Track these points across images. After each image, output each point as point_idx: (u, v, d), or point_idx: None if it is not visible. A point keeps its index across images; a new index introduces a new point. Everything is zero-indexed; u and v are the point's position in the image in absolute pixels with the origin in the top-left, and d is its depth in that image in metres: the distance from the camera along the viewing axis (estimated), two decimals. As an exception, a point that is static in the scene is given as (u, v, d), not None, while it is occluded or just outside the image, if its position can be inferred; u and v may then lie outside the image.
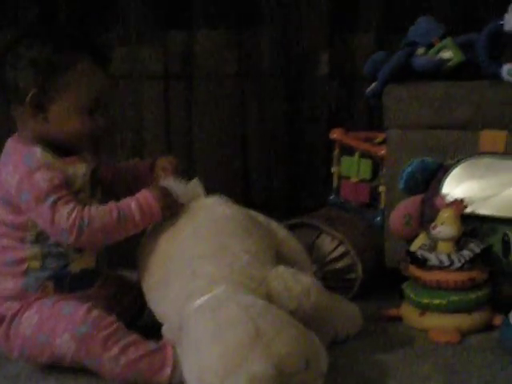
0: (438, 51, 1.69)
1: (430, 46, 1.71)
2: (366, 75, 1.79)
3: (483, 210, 1.56)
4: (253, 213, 1.50)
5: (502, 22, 1.63)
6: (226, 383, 1.11)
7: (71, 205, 1.30)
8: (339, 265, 1.67)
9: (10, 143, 1.37)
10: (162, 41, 2.10)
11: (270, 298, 1.27)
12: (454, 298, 1.46)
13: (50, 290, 1.36)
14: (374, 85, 1.75)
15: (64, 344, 1.28)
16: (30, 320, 1.33)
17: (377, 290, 1.69)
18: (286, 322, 1.20)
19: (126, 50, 2.10)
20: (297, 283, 1.28)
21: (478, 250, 1.47)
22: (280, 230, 1.52)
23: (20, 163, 1.32)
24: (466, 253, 1.47)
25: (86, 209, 1.30)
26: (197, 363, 1.16)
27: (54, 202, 1.29)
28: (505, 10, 1.65)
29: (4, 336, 1.36)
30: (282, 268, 1.31)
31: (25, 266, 1.36)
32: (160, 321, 1.33)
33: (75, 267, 1.38)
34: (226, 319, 1.18)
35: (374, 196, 1.82)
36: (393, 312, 1.56)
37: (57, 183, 1.31)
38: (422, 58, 1.68)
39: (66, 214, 1.29)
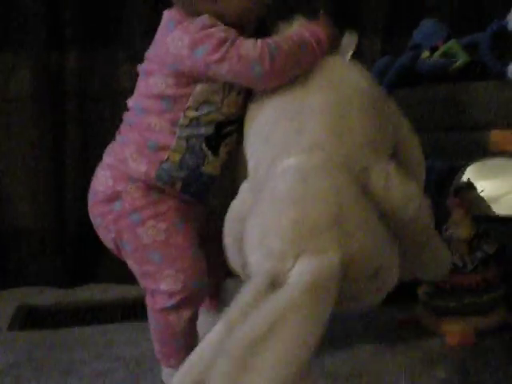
0: (444, 53, 1.69)
1: (434, 48, 1.71)
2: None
3: (496, 210, 1.56)
4: (386, 97, 1.32)
5: (505, 22, 1.64)
6: (286, 252, 1.03)
7: (251, 39, 1.23)
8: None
9: (171, 15, 1.31)
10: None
11: (367, 190, 1.15)
12: (469, 300, 1.46)
13: (176, 189, 1.30)
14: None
15: None
16: (155, 231, 1.29)
17: (393, 295, 1.69)
18: (370, 221, 1.10)
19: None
20: (399, 187, 1.16)
21: (490, 251, 1.47)
22: (405, 125, 1.34)
23: (190, 25, 1.26)
24: (479, 254, 1.46)
25: (267, 38, 1.24)
26: (266, 222, 1.08)
27: (234, 41, 1.22)
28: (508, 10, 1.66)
29: (114, 222, 1.31)
30: (392, 165, 1.18)
31: (165, 156, 1.29)
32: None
33: (207, 169, 1.32)
34: (314, 191, 1.08)
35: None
36: (407, 317, 1.56)
37: (235, 34, 1.24)
38: (427, 61, 1.68)
39: (251, 45, 1.22)
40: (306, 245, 1.03)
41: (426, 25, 1.78)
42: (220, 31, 1.23)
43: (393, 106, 1.31)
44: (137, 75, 1.33)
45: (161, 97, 1.28)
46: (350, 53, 1.30)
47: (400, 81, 1.70)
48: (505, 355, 1.38)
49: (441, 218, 1.56)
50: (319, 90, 1.22)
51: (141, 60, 1.32)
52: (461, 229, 1.47)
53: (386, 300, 1.61)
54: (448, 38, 1.73)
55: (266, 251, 1.05)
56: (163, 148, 1.29)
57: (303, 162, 1.13)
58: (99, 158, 1.35)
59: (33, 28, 2.06)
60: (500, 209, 1.56)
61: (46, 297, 2.01)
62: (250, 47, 1.21)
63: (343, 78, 1.25)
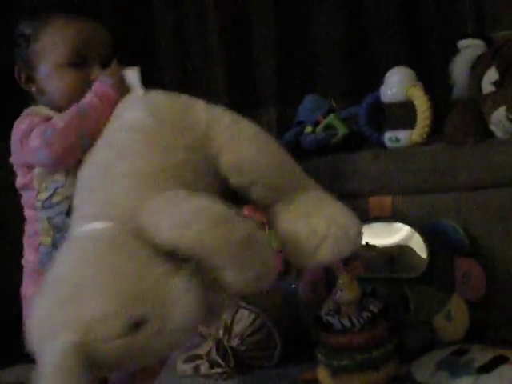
0: (325, 127, 1.84)
1: (316, 123, 1.86)
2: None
3: (380, 272, 1.69)
4: (190, 108, 1.32)
5: (378, 94, 1.79)
6: (40, 348, 1.00)
7: (39, 126, 1.30)
8: (258, 336, 1.78)
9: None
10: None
11: (141, 233, 1.08)
12: (360, 357, 1.57)
13: None
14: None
15: None
16: None
17: (297, 355, 1.80)
18: (118, 279, 1.03)
19: None
20: (173, 213, 1.05)
21: (375, 310, 1.59)
22: (226, 118, 1.34)
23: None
24: (366, 314, 1.58)
25: (46, 122, 1.30)
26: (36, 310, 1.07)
27: (29, 132, 1.30)
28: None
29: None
30: (167, 194, 1.12)
31: (38, 241, 1.37)
32: None
33: None
34: (62, 266, 1.08)
35: (288, 265, 1.94)
36: (308, 375, 1.67)
37: (36, 121, 1.32)
38: (308, 136, 1.82)
39: (34, 134, 1.29)
40: (47, 328, 1.01)
41: (309, 100, 1.93)
42: (25, 122, 1.33)
43: (198, 111, 1.32)
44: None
45: (20, 188, 1.40)
46: (139, 85, 1.34)
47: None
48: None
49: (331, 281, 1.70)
50: (101, 147, 1.25)
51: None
52: (347, 292, 1.59)
53: (288, 361, 1.75)
54: (329, 112, 1.88)
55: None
56: (35, 233, 1.39)
57: (78, 232, 1.15)
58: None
59: None
60: (386, 270, 1.69)
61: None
62: (33, 136, 1.29)
63: (117, 118, 1.29)
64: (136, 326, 1.00)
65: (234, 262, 1.07)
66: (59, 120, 1.30)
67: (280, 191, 1.41)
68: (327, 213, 1.36)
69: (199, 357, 1.78)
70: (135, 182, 1.17)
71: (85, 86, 1.36)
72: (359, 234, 1.39)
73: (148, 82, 1.32)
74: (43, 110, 1.39)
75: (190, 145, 1.27)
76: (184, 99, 1.36)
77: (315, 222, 1.35)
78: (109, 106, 1.29)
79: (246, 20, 2.31)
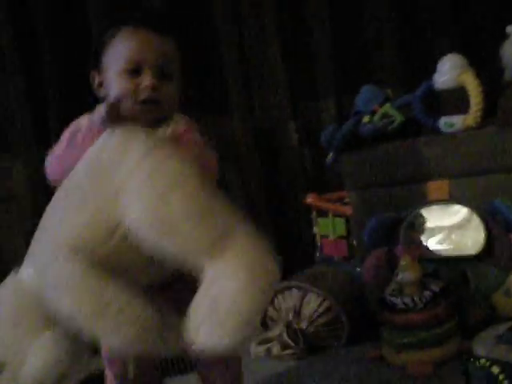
0: (382, 116, 1.91)
1: (373, 112, 1.93)
2: (323, 145, 2.01)
3: (441, 252, 1.76)
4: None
5: (432, 82, 1.86)
6: None
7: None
8: (326, 318, 1.87)
9: None
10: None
11: None
12: (423, 335, 1.65)
13: None
14: (331, 154, 1.98)
15: None
16: None
17: (363, 335, 1.89)
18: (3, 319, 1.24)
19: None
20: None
21: (437, 289, 1.67)
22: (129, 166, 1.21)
23: None
24: (427, 293, 1.66)
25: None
26: None
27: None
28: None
29: None
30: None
31: None
32: None
33: None
34: None
35: (352, 250, 2.04)
36: (374, 353, 1.75)
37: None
38: (366, 125, 1.90)
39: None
40: None
41: (365, 91, 2.00)
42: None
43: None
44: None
45: None
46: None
47: (346, 145, 1.92)
48: (460, 382, 1.57)
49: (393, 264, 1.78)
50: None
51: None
52: (409, 273, 1.67)
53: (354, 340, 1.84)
54: (385, 101, 1.95)
55: None
56: None
57: None
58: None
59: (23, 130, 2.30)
60: (446, 250, 1.76)
61: None
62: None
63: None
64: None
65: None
66: (57, 145, 1.39)
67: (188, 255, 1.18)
68: (216, 293, 1.13)
69: (271, 339, 1.88)
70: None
71: (136, 93, 1.39)
72: (242, 324, 1.11)
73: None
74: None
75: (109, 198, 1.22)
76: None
77: (200, 302, 1.14)
78: (90, 140, 1.33)
79: (303, 16, 2.39)
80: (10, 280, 1.28)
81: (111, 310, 1.16)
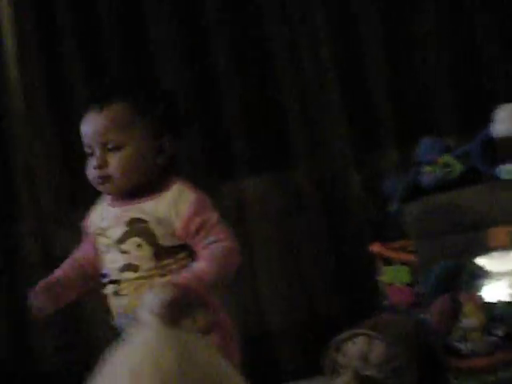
0: (441, 166, 1.97)
1: (433, 162, 1.99)
2: (385, 195, 2.07)
3: (505, 297, 1.79)
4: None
5: (489, 131, 1.91)
6: None
7: None
8: (394, 364, 1.91)
9: None
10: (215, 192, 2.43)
11: None
12: (489, 379, 1.68)
13: None
14: (394, 204, 2.04)
15: None
16: None
17: (430, 381, 1.91)
18: None
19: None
20: None
21: (501, 334, 1.70)
22: None
23: None
24: (492, 338, 1.69)
25: None
26: None
27: None
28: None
29: None
30: None
31: None
32: None
33: None
34: None
35: (418, 297, 2.07)
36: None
37: None
38: (427, 175, 1.96)
39: None
40: None
41: (425, 142, 2.06)
42: None
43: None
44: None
45: None
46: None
47: (408, 195, 1.98)
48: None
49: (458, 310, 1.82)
50: None
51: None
52: (473, 319, 1.71)
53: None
54: (445, 151, 2.01)
55: None
56: None
57: None
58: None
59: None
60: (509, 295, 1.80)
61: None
62: None
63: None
64: None
65: None
66: None
67: None
68: None
69: (340, 386, 1.93)
70: None
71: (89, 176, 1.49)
72: None
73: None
74: None
75: None
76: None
77: None
78: None
79: (361, 63, 2.48)
80: None
81: None
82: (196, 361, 1.24)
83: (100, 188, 1.47)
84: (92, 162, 1.45)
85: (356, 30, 2.44)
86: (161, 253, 1.42)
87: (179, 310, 1.31)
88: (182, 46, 2.43)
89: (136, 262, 1.43)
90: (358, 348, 1.94)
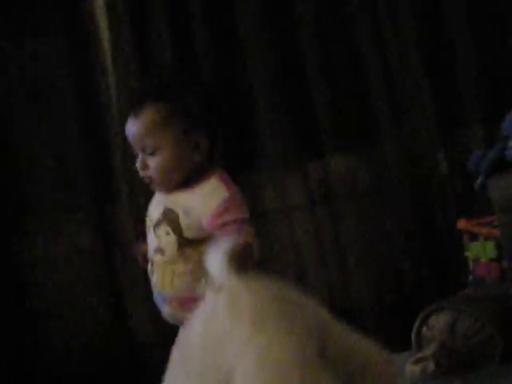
0: (528, 141, 1.96)
1: (520, 137, 1.98)
2: (470, 171, 2.08)
3: None
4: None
5: None
6: None
7: None
8: (480, 338, 1.93)
9: None
10: (303, 170, 2.48)
11: None
12: None
13: None
14: (479, 179, 2.04)
15: None
16: None
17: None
18: None
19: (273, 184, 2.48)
20: None
21: None
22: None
23: None
24: None
25: None
26: None
27: None
28: None
29: None
30: None
31: None
32: None
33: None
34: None
35: (504, 271, 2.08)
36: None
37: None
38: (512, 150, 1.96)
39: None
40: None
41: (510, 117, 2.06)
42: None
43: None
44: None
45: None
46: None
47: (493, 170, 1.98)
48: None
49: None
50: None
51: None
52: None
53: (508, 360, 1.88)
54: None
55: None
56: None
57: None
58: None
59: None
60: None
61: None
62: None
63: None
64: None
65: None
66: None
67: None
68: None
69: (426, 358, 1.96)
70: None
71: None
72: None
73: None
74: None
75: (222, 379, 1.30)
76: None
77: None
78: None
79: (446, 40, 2.46)
80: None
81: None
82: (289, 298, 1.31)
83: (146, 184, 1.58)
84: (137, 163, 1.55)
85: (439, 8, 2.44)
86: (184, 243, 1.50)
87: (247, 263, 1.36)
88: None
89: (164, 248, 1.52)
90: (444, 321, 1.97)
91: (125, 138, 1.60)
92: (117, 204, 2.49)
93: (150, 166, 1.52)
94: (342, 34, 2.47)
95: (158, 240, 1.53)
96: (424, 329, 2.00)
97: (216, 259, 1.32)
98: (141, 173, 1.55)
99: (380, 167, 2.45)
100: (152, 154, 1.51)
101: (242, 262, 1.33)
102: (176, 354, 1.46)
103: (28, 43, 2.51)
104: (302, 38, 2.46)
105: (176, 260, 1.51)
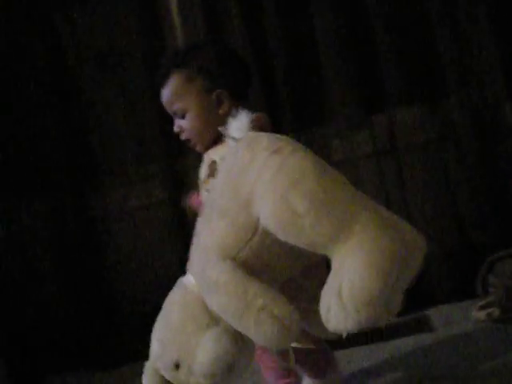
0: None
1: None
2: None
3: None
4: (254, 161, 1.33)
5: None
6: None
7: None
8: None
9: None
10: (367, 123, 2.51)
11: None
12: None
13: None
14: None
15: None
16: None
17: None
18: (171, 323, 1.38)
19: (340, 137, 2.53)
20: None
21: None
22: (258, 189, 1.31)
23: None
24: None
25: None
26: None
27: None
28: None
29: None
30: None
31: None
32: None
33: None
34: (166, 305, 1.43)
35: None
36: None
37: None
38: None
39: None
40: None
41: None
42: None
43: (255, 167, 1.32)
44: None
45: None
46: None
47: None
48: None
49: None
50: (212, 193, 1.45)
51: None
52: None
53: None
54: None
55: None
56: None
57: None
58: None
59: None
60: None
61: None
62: None
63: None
64: (176, 365, 1.35)
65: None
66: None
67: (323, 240, 1.25)
68: (342, 275, 1.20)
69: (491, 304, 2.00)
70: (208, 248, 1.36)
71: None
72: (363, 307, 1.17)
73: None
74: None
75: (244, 203, 1.33)
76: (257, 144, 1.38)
77: (326, 289, 1.22)
78: None
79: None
80: (177, 286, 1.44)
81: (254, 307, 1.25)
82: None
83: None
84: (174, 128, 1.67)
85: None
86: None
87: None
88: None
89: None
90: (509, 267, 2.00)
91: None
92: (189, 156, 2.56)
93: (184, 128, 1.65)
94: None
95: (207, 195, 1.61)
96: (490, 276, 2.04)
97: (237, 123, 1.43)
98: (180, 136, 1.67)
99: (446, 119, 2.47)
100: (183, 117, 1.64)
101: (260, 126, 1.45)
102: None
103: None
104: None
105: None
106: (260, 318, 1.24)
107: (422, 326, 2.18)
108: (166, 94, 1.66)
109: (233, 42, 2.52)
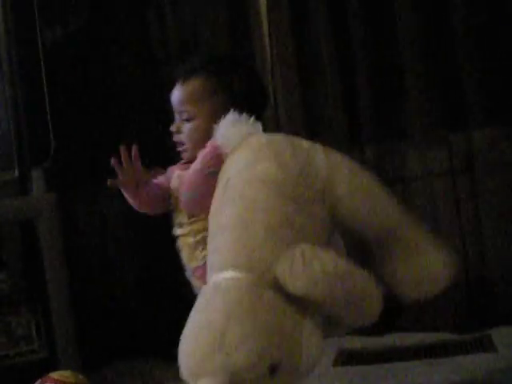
0: None
1: None
2: None
3: None
4: (312, 158, 1.42)
5: None
6: (187, 376, 1.22)
7: None
8: None
9: None
10: (446, 141, 2.50)
11: (278, 282, 1.22)
12: None
13: None
14: None
15: None
16: None
17: None
18: (259, 328, 1.19)
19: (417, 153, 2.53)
20: (305, 270, 1.20)
21: None
22: (343, 185, 1.42)
23: None
24: None
25: None
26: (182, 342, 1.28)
27: None
28: None
29: None
30: (297, 249, 1.23)
31: None
32: None
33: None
34: (208, 313, 1.24)
35: None
36: None
37: None
38: None
39: None
40: (199, 370, 1.19)
41: None
42: None
43: (319, 162, 1.42)
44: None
45: None
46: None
47: None
48: None
49: None
50: (232, 197, 1.38)
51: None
52: None
53: None
54: None
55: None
56: None
57: (213, 281, 1.30)
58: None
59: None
60: None
61: (357, 342, 2.41)
62: None
63: (244, 170, 1.41)
64: (273, 369, 1.19)
65: (350, 311, 1.28)
66: None
67: (387, 233, 1.50)
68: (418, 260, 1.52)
69: None
70: (269, 234, 1.29)
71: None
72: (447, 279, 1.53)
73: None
74: None
75: (313, 196, 1.39)
76: (305, 148, 1.47)
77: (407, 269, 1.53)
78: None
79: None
80: (208, 293, 1.30)
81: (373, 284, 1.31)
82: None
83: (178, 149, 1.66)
84: (172, 127, 1.66)
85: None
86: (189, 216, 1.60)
87: None
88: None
89: (181, 221, 1.63)
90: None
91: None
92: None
93: (183, 131, 1.64)
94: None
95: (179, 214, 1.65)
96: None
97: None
98: (174, 137, 1.66)
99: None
100: (188, 120, 1.63)
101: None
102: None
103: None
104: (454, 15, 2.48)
105: (186, 233, 1.62)
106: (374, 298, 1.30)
107: (485, 345, 2.19)
108: (183, 91, 1.64)
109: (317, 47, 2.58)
